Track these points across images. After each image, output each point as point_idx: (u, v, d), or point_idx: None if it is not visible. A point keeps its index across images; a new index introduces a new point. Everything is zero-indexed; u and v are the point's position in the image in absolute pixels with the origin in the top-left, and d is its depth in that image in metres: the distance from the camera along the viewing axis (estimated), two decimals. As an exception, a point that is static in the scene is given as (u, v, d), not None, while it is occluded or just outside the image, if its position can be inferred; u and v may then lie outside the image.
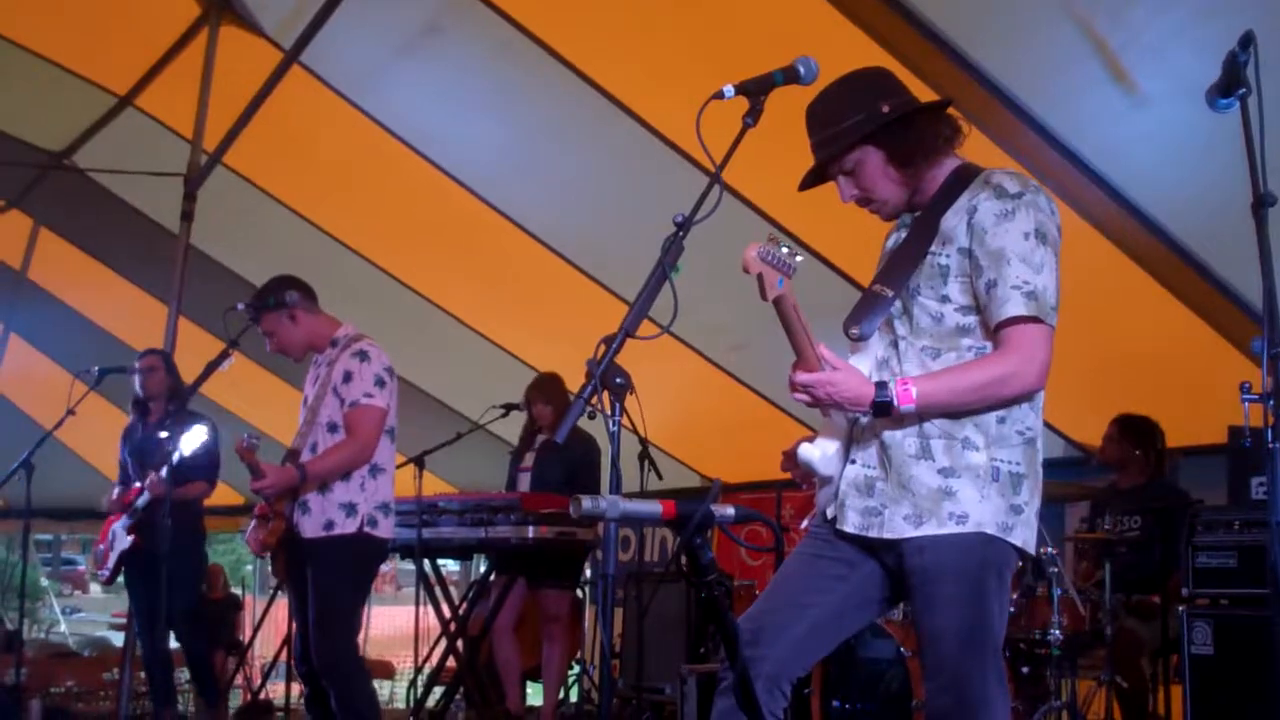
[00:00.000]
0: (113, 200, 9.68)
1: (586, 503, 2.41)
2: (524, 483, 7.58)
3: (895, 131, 3.17)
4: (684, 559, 2.42)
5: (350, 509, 5.34)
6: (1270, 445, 2.66)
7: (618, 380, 2.76)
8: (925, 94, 3.39)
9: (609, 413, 2.77)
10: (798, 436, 9.50)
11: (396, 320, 8.98)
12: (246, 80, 7.55)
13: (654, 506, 2.43)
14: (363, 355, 5.44)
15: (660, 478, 6.81)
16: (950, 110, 3.27)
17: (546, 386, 7.67)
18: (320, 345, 5.61)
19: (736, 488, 9.70)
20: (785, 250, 2.95)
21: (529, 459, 7.69)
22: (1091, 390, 6.95)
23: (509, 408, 7.70)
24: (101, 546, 7.21)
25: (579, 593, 8.37)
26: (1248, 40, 2.73)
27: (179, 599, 6.92)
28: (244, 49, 7.63)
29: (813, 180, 3.33)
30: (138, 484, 6.95)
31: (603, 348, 2.81)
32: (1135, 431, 6.60)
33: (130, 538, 6.89)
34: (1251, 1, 4.99)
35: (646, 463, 6.86)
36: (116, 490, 7.28)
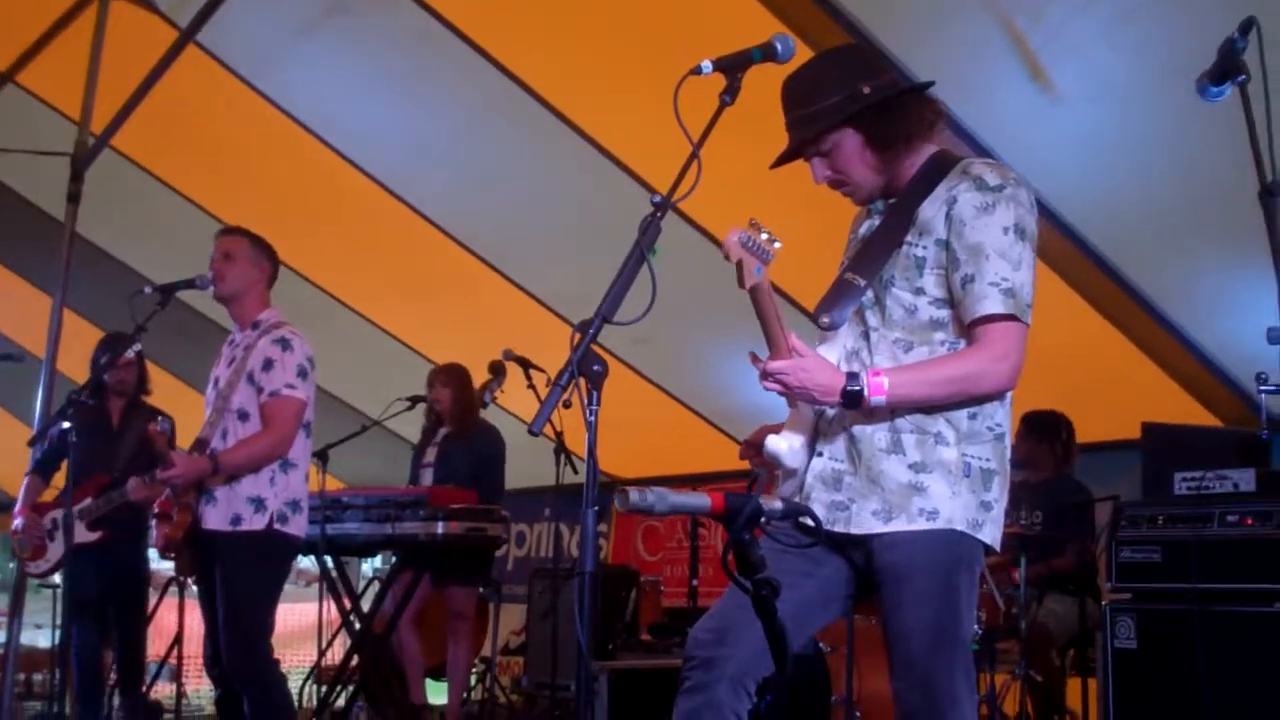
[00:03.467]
0: (-11, 182, 9.31)
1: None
2: (427, 478, 7.45)
3: (876, 115, 3.08)
4: (730, 556, 2.30)
5: (259, 504, 5.14)
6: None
7: (595, 368, 2.66)
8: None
9: (586, 401, 2.67)
10: (697, 432, 9.50)
11: (292, 312, 8.77)
12: (138, 59, 7.28)
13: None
14: (285, 343, 5.25)
15: (575, 471, 6.71)
16: (930, 95, 3.21)
17: (448, 372, 7.57)
18: (244, 318, 5.41)
19: (638, 483, 9.63)
20: (764, 237, 2.87)
21: (431, 454, 7.56)
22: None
23: (415, 400, 7.55)
24: (22, 537, 6.83)
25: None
26: (1248, 26, 2.69)
27: (143, 595, 7.13)
28: (136, 26, 7.34)
29: (787, 158, 3.23)
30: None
31: (578, 335, 2.70)
32: (1041, 428, 6.68)
33: (96, 534, 6.58)
34: (1172, 5, 5.06)
35: (562, 456, 6.77)
36: (28, 479, 6.94)
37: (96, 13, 7.27)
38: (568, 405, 2.67)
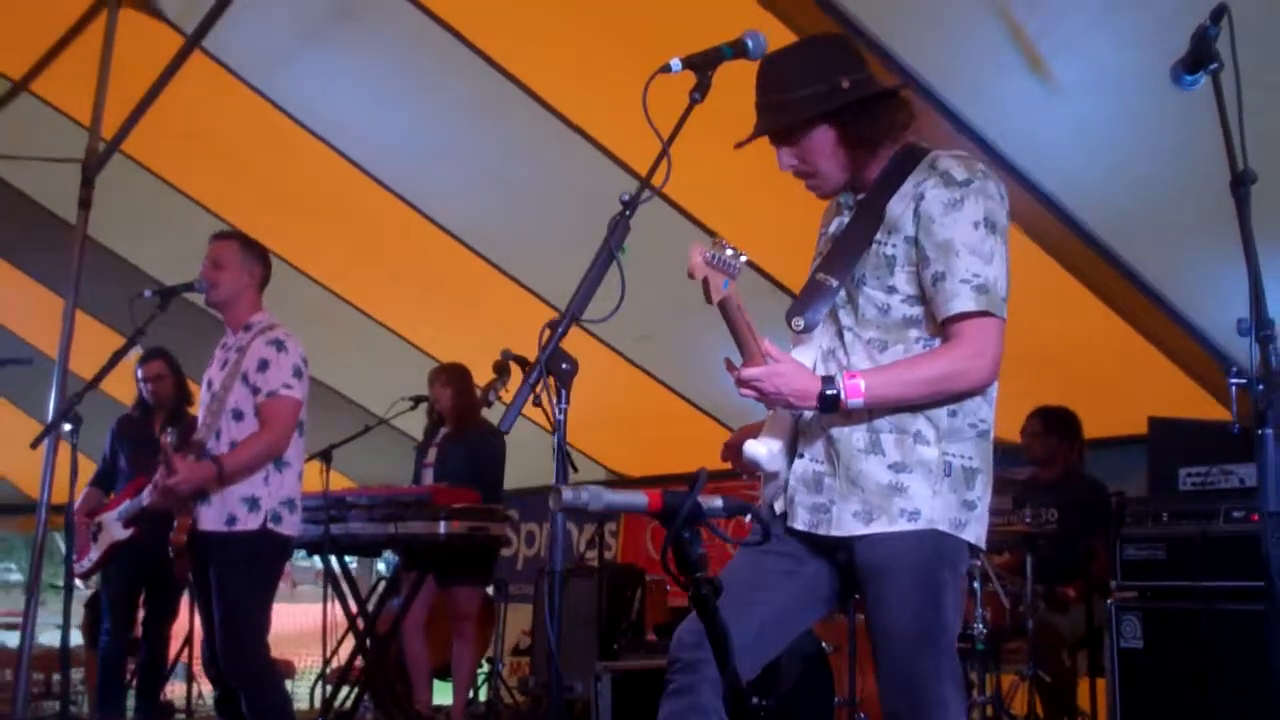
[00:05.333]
0: (4, 188, 9.37)
1: (567, 494, 2.26)
2: (428, 478, 7.46)
3: (853, 113, 3.03)
4: (669, 555, 2.26)
5: (253, 503, 5.17)
6: (1261, 431, 2.58)
7: (564, 366, 2.65)
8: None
9: (555, 399, 2.65)
10: (705, 429, 9.43)
11: (299, 313, 8.77)
12: (146, 66, 7.31)
13: (639, 498, 2.30)
14: (280, 344, 5.29)
15: (575, 469, 6.70)
16: (904, 96, 3.15)
17: (449, 371, 7.59)
18: (236, 321, 5.44)
19: (641, 481, 9.61)
20: (729, 252, 2.81)
21: (432, 454, 7.57)
22: (1005, 383, 6.94)
23: (418, 400, 7.55)
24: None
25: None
26: (1219, 13, 2.64)
27: (174, 598, 7.30)
28: (144, 34, 7.38)
29: (754, 139, 3.15)
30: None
31: (548, 332, 2.68)
32: (1061, 424, 6.61)
33: (129, 531, 6.71)
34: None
35: (562, 455, 6.74)
36: (87, 490, 7.20)
37: (106, 21, 7.30)
38: (537, 403, 2.66)
